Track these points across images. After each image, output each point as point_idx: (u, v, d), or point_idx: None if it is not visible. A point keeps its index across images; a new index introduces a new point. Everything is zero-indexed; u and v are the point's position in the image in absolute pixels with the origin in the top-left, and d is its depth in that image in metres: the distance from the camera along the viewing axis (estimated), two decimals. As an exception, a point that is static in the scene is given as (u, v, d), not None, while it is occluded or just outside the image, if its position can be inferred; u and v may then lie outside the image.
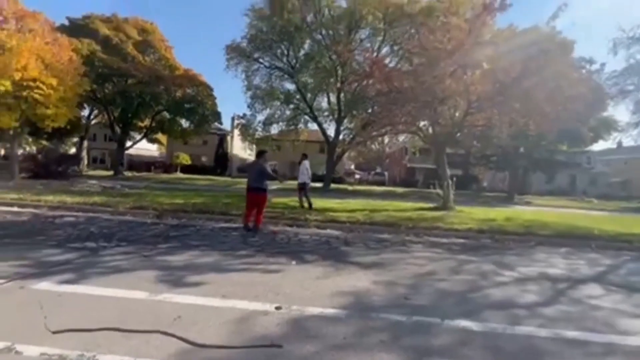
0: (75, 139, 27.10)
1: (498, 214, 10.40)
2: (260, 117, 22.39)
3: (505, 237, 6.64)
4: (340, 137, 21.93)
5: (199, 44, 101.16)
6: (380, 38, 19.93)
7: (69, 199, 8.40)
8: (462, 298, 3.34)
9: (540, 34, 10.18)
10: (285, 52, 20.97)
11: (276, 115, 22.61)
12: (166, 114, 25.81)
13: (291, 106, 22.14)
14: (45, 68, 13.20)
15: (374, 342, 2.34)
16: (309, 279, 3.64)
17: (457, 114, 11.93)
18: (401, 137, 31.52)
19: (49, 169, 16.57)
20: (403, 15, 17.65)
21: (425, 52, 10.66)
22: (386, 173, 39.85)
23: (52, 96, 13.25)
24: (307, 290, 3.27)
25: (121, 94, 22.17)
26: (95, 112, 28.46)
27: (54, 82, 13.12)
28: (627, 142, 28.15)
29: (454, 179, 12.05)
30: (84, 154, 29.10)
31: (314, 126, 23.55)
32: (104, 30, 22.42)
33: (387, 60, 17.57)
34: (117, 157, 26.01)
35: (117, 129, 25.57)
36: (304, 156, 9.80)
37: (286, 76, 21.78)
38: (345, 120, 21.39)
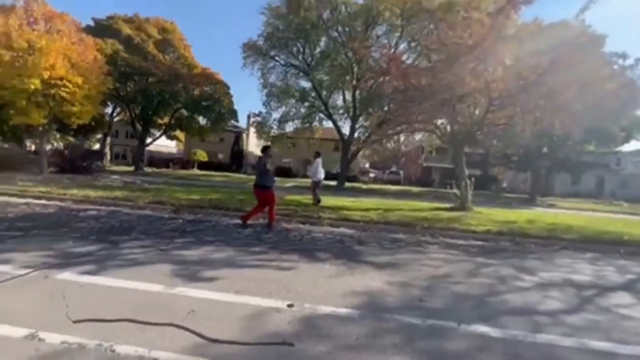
0: (99, 136, 28.14)
1: (519, 215, 10.02)
2: (276, 115, 22.58)
3: (526, 240, 6.38)
4: (355, 135, 21.77)
5: (216, 42, 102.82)
6: (397, 34, 19.59)
7: (92, 193, 8.75)
8: (479, 302, 3.22)
9: (569, 29, 9.68)
10: (301, 49, 20.98)
11: (291, 113, 22.71)
12: (184, 112, 26.43)
13: (306, 104, 22.17)
14: (71, 67, 13.79)
15: (387, 344, 2.29)
16: (321, 277, 3.61)
17: (476, 112, 11.56)
18: (417, 136, 30.96)
19: (75, 164, 17.31)
20: (421, 11, 17.22)
21: (444, 48, 10.36)
22: (401, 172, 39.25)
23: (77, 94, 13.84)
24: (320, 289, 3.25)
25: (142, 92, 22.87)
26: (118, 109, 29.48)
27: (80, 80, 13.69)
28: (662, 142, 26.46)
29: (472, 179, 11.70)
30: (107, 150, 30.24)
31: (328, 124, 23.50)
32: (127, 30, 23.15)
33: (404, 57, 17.22)
34: (138, 153, 26.88)
35: (138, 126, 26.42)
36: (317, 154, 9.83)
37: (301, 74, 21.79)
38: (361, 118, 21.21)
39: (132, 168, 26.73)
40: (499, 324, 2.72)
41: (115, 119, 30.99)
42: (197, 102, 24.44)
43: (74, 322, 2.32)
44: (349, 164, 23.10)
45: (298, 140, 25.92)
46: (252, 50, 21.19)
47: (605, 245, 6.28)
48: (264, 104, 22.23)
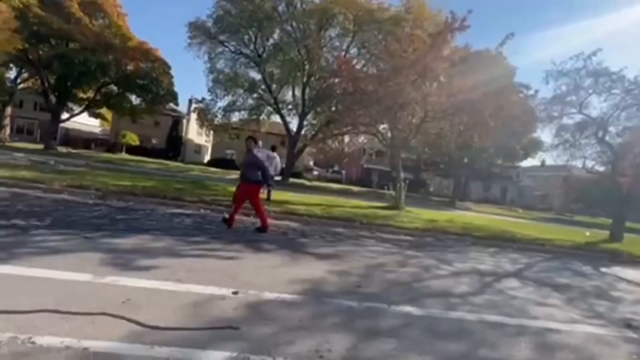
0: (-4, 104, 23.25)
1: (441, 216, 11.40)
2: (221, 103, 21.52)
3: (446, 236, 7.36)
4: (302, 132, 21.97)
5: (157, 15, 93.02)
6: (349, 39, 20.31)
7: (-12, 171, 7.30)
8: (407, 287, 3.68)
9: (490, 58, 11.32)
10: (253, 39, 20.35)
11: (238, 103, 21.91)
12: (114, 88, 23.39)
13: (255, 95, 21.61)
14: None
15: (328, 325, 2.50)
16: (266, 267, 3.69)
17: (414, 121, 12.75)
18: (361, 138, 32.64)
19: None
20: (372, 21, 18.20)
21: (390, 59, 11.20)
22: (343, 172, 40.89)
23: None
24: (265, 277, 3.33)
25: (60, 59, 19.52)
26: (25, 75, 24.71)
27: (-26, 33, 11.19)
28: (549, 161, 32.58)
29: (406, 181, 12.89)
30: (7, 121, 25.15)
31: (276, 118, 23.25)
32: (43, -18, 19.50)
33: (354, 62, 18.02)
34: (50, 129, 22.92)
35: (52, 98, 22.49)
36: (274, 148, 9.85)
37: (252, 64, 21.16)
38: (309, 116, 21.49)
39: (41, 146, 22.74)
40: (421, 304, 3.16)
41: (20, 86, 25.92)
42: (130, 78, 21.81)
43: (-21, 314, 2.01)
44: (295, 160, 23.24)
45: (243, 132, 25.08)
46: (199, 31, 19.83)
47: (504, 242, 7.61)
48: (209, 90, 21.04)
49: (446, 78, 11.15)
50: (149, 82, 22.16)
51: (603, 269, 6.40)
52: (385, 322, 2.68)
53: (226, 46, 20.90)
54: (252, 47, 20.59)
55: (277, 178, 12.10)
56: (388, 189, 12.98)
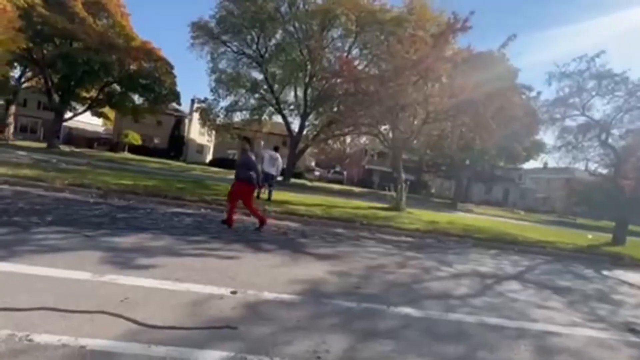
0: (0, 103, 23.35)
1: (442, 217, 11.36)
2: (224, 103, 21.56)
3: (447, 238, 7.33)
4: (304, 132, 21.97)
5: (160, 16, 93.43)
6: (351, 40, 20.31)
7: (-10, 169, 7.34)
8: (406, 289, 3.66)
9: (493, 58, 11.29)
10: (256, 39, 20.38)
11: (240, 103, 21.94)
12: (117, 87, 23.47)
13: (257, 95, 21.63)
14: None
15: (326, 325, 2.49)
16: (265, 267, 3.69)
17: (415, 122, 12.73)
18: (362, 139, 32.57)
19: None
20: (374, 22, 18.19)
21: (392, 60, 11.19)
22: (345, 172, 40.85)
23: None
24: (264, 277, 3.33)
25: (64, 58, 19.64)
26: (29, 74, 24.86)
27: (-21, 32, 11.27)
28: (551, 163, 32.47)
29: (408, 182, 12.86)
30: (11, 120, 25.30)
31: (278, 119, 23.26)
32: (47, -18, 19.61)
33: (356, 62, 18.02)
34: (54, 128, 23.04)
35: (56, 97, 22.60)
36: (276, 148, 9.98)
37: (254, 64, 21.19)
38: (311, 116, 21.48)
39: (44, 145, 22.85)
40: (420, 306, 3.14)
41: (24, 85, 26.08)
42: (133, 78, 21.88)
43: (-23, 311, 2.02)
44: (296, 160, 23.24)
45: (245, 131, 25.12)
46: (202, 31, 19.89)
47: (505, 244, 7.56)
48: (211, 90, 21.07)
49: (448, 79, 11.13)
50: (152, 81, 22.24)
51: (605, 272, 6.35)
52: (384, 323, 2.67)
53: (229, 46, 20.95)
54: (254, 47, 20.64)
55: (279, 178, 12.12)
56: (389, 190, 12.94)
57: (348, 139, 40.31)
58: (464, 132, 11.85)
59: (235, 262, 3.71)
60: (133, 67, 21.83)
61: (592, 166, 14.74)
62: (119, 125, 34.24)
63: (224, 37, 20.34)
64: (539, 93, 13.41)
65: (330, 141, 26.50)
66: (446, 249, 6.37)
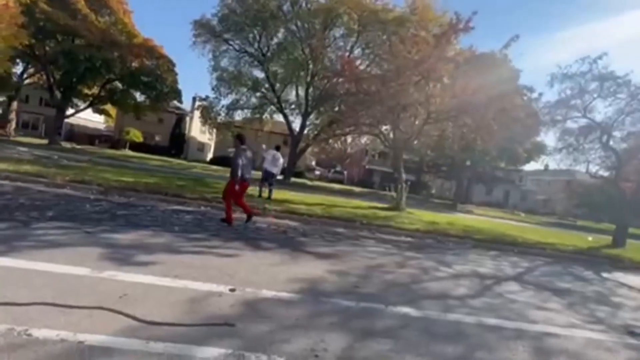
0: (2, 99, 23.39)
1: (442, 218, 11.34)
2: (225, 102, 21.56)
3: (446, 238, 7.32)
4: (305, 131, 21.96)
5: (162, 13, 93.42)
6: (353, 39, 20.28)
7: (-8, 164, 7.36)
8: (405, 288, 3.66)
9: (495, 59, 11.26)
10: (258, 37, 20.39)
11: (241, 102, 21.94)
12: (119, 84, 23.50)
13: (258, 94, 21.64)
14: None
15: (324, 324, 2.49)
16: (264, 265, 3.69)
17: (416, 122, 12.72)
18: (363, 139, 32.59)
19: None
20: (377, 21, 18.16)
21: (394, 60, 11.18)
22: (345, 172, 40.85)
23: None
24: (263, 275, 3.33)
25: (66, 55, 19.66)
26: (31, 70, 24.89)
27: (-18, 28, 11.28)
28: (552, 165, 32.38)
29: (408, 183, 12.85)
30: (13, 116, 25.34)
31: (279, 117, 23.26)
32: (50, -22, 19.61)
33: (358, 62, 18.00)
34: (55, 124, 23.07)
35: (57, 93, 22.65)
36: (278, 148, 9.99)
37: (256, 63, 21.19)
38: (312, 116, 21.47)
39: (45, 141, 22.89)
40: (419, 306, 3.14)
41: (26, 81, 26.12)
42: (135, 75, 21.90)
43: (-24, 305, 2.03)
44: (297, 159, 23.24)
45: (246, 130, 25.12)
46: (204, 29, 19.90)
47: (505, 245, 7.56)
48: (213, 88, 21.08)
49: (450, 80, 11.11)
50: (153, 79, 22.26)
51: (604, 275, 6.34)
52: (382, 323, 2.67)
53: (231, 45, 20.96)
54: (256, 45, 20.64)
55: (279, 177, 12.13)
56: (389, 190, 12.93)
57: (349, 139, 40.41)
58: (465, 133, 11.81)
59: (235, 260, 3.71)
60: (135, 64, 21.84)
61: (593, 168, 14.70)
62: (121, 122, 34.29)
63: (226, 36, 20.35)
64: (540, 94, 13.37)
65: (331, 141, 26.52)
66: (446, 250, 6.36)
